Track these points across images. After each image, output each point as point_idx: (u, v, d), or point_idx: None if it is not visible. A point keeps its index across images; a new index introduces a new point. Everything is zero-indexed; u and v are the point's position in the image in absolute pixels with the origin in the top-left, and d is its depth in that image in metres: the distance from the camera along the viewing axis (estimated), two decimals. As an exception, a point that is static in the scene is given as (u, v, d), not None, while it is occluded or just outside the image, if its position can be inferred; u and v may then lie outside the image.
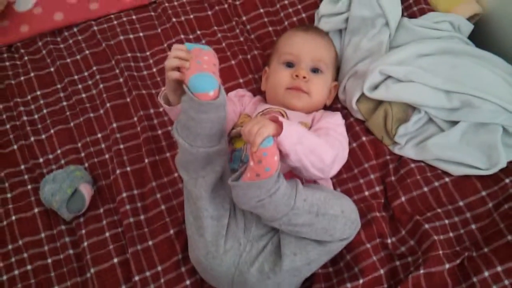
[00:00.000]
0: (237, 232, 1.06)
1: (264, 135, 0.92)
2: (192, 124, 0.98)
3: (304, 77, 1.24)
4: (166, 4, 1.57)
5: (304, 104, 1.25)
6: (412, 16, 1.42)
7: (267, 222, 1.02)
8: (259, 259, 1.04)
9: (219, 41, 1.50)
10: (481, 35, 1.44)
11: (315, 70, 1.28)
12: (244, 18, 1.54)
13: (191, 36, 1.51)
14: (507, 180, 1.19)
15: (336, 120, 1.23)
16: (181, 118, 1.00)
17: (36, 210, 1.28)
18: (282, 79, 1.26)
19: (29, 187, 1.31)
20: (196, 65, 0.97)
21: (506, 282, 1.07)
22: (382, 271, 1.12)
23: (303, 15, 1.52)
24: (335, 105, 1.37)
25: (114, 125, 1.36)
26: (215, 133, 1.00)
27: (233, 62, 1.46)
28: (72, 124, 1.40)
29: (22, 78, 1.47)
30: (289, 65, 1.28)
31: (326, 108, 1.35)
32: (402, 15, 1.40)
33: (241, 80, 1.43)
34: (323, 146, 1.06)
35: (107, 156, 1.35)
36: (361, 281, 1.10)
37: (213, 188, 1.04)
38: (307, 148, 1.00)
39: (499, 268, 1.08)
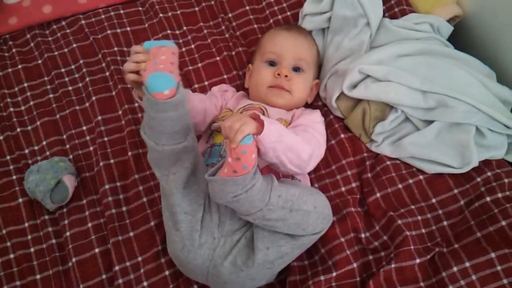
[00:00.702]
0: (212, 226, 1.08)
1: (245, 133, 0.93)
2: (154, 123, 0.99)
3: (286, 76, 1.27)
4: (154, 0, 1.59)
5: (286, 102, 1.28)
6: (393, 17, 1.45)
7: (242, 216, 1.04)
8: (233, 252, 1.07)
9: (204, 37, 1.53)
10: (461, 37, 1.47)
11: (296, 69, 1.30)
12: (230, 15, 1.57)
13: (177, 32, 1.54)
14: (478, 179, 1.22)
15: (315, 118, 1.26)
16: (144, 118, 1.02)
17: (20, 200, 1.30)
18: (265, 77, 1.29)
19: (14, 177, 1.33)
20: (153, 65, 0.98)
21: (474, 277, 1.10)
22: (355, 265, 1.15)
23: (288, 13, 1.55)
24: (316, 102, 1.40)
25: (99, 118, 1.39)
26: (178, 131, 1.01)
27: (218, 58, 1.48)
28: (58, 116, 1.42)
29: (9, 69, 1.49)
30: (272, 63, 1.30)
31: (307, 105, 1.38)
32: (384, 16, 1.43)
33: (225, 76, 1.45)
34: (301, 144, 1.09)
35: (91, 148, 1.37)
36: (334, 274, 1.13)
37: (186, 184, 1.06)
38: (285, 146, 1.03)
39: (467, 264, 1.11)
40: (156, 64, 0.97)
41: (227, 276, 1.07)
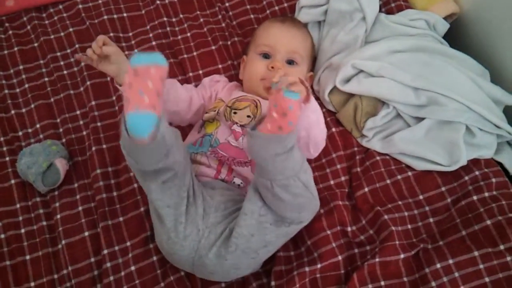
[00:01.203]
0: (196, 218, 1.08)
1: (299, 88, 0.96)
2: (132, 153, 0.98)
3: (280, 69, 1.26)
4: (152, -14, 1.59)
5: None
6: (389, 12, 1.45)
7: (262, 179, 1.01)
8: (217, 244, 1.07)
9: (201, 26, 1.53)
10: (457, 34, 1.48)
11: (290, 62, 1.30)
12: (227, 4, 1.57)
13: (173, 19, 1.54)
14: (466, 178, 1.23)
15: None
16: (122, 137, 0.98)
17: (12, 181, 1.31)
18: (258, 70, 1.29)
19: (7, 159, 1.35)
20: (137, 96, 0.89)
21: (456, 274, 1.11)
22: (340, 257, 1.16)
23: (285, 4, 1.55)
24: (309, 95, 1.41)
25: (93, 103, 1.39)
26: (158, 158, 0.98)
27: (213, 47, 1.48)
28: (52, 99, 1.43)
29: (5, 52, 1.50)
30: (265, 56, 1.30)
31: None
32: (380, 11, 1.43)
33: (220, 66, 1.46)
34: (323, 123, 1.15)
35: (84, 133, 1.38)
36: (319, 265, 1.14)
37: (164, 181, 1.05)
38: (316, 119, 1.08)
39: (450, 261, 1.13)
40: (141, 96, 0.89)
41: (212, 266, 1.08)
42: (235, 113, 1.22)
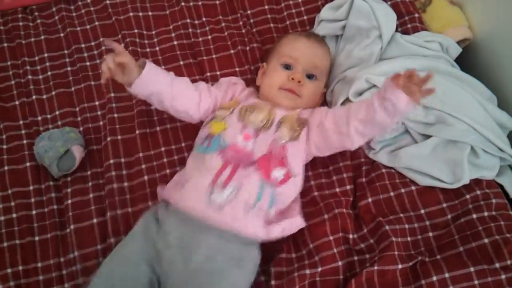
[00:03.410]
0: None
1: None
2: None
3: (299, 82, 1.31)
4: (177, -12, 1.63)
5: (293, 104, 1.31)
6: (405, 32, 1.49)
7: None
8: None
9: (222, 30, 1.57)
10: (468, 59, 1.52)
11: (310, 76, 1.34)
12: (249, 11, 1.61)
13: (196, 22, 1.59)
14: (467, 196, 1.27)
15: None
16: None
17: (28, 164, 1.35)
18: (278, 79, 1.32)
19: (24, 142, 1.39)
20: None
21: (451, 288, 1.15)
22: (340, 263, 1.19)
23: (305, 17, 1.60)
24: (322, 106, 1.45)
25: (112, 95, 1.44)
26: None
27: (232, 51, 1.53)
28: (73, 89, 1.48)
29: (32, 39, 1.55)
30: (287, 67, 1.34)
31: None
32: (396, 31, 1.47)
33: (237, 69, 1.50)
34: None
35: (101, 123, 1.42)
36: (319, 269, 1.17)
37: None
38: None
39: (446, 275, 1.15)
40: None
41: None
42: (250, 113, 1.26)
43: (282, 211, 1.24)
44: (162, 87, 1.23)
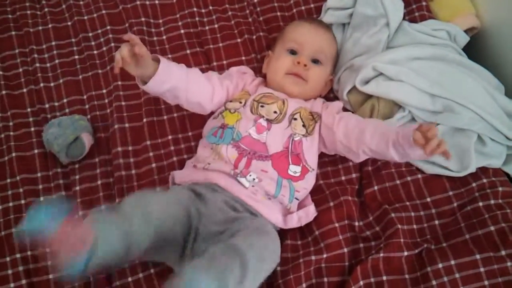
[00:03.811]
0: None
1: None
2: None
3: (305, 65, 1.31)
4: (184, -23, 1.63)
5: (300, 90, 1.32)
6: (413, 20, 1.49)
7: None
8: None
9: (228, 19, 1.57)
10: (476, 48, 1.51)
11: (315, 61, 1.34)
12: (255, 0, 1.61)
13: (203, 10, 1.59)
14: (474, 184, 1.27)
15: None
16: None
17: (36, 151, 1.36)
18: (284, 64, 1.33)
19: (32, 129, 1.39)
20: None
21: (457, 275, 1.14)
22: (345, 250, 1.20)
23: (312, 5, 1.59)
24: (328, 95, 1.45)
25: (119, 83, 1.44)
26: None
27: (238, 40, 1.53)
28: (80, 77, 1.48)
29: (40, 27, 1.55)
30: (292, 52, 1.34)
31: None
32: (404, 19, 1.47)
33: (243, 58, 1.50)
34: None
35: (108, 110, 1.43)
36: (324, 255, 1.18)
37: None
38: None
39: (452, 262, 1.16)
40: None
41: None
42: (262, 106, 1.26)
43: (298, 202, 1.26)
44: (178, 82, 1.20)
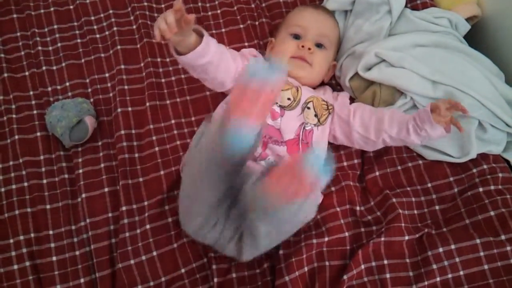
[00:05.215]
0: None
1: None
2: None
3: (309, 49, 1.31)
4: (187, -38, 1.62)
5: (306, 74, 1.32)
6: (415, 8, 1.50)
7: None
8: (235, 237, 1.12)
9: (231, 4, 1.57)
10: (476, 36, 1.53)
11: (319, 45, 1.35)
12: (258, -14, 1.61)
13: (206, -5, 1.59)
14: (474, 170, 1.29)
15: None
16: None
17: (38, 134, 1.36)
18: (288, 48, 1.33)
19: (34, 112, 1.39)
20: (243, 112, 0.90)
21: (457, 259, 1.17)
22: (347, 234, 1.22)
23: (314, -8, 1.60)
24: (330, 81, 1.46)
25: (122, 66, 1.44)
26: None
27: (241, 26, 1.53)
28: (83, 60, 1.48)
29: (42, 10, 1.54)
30: (296, 37, 1.35)
31: (322, 84, 1.43)
32: (406, 6, 1.47)
33: (246, 44, 1.50)
34: None
35: (111, 94, 1.43)
36: (326, 239, 1.20)
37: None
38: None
39: (453, 247, 1.18)
40: (245, 118, 0.90)
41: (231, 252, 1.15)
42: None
43: None
44: (213, 58, 1.14)
